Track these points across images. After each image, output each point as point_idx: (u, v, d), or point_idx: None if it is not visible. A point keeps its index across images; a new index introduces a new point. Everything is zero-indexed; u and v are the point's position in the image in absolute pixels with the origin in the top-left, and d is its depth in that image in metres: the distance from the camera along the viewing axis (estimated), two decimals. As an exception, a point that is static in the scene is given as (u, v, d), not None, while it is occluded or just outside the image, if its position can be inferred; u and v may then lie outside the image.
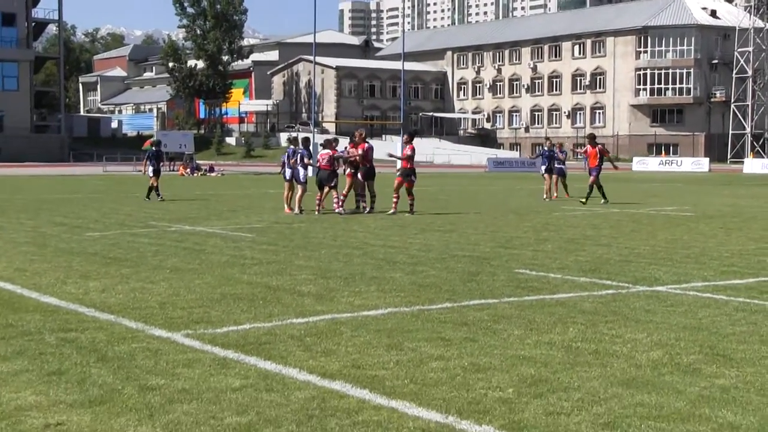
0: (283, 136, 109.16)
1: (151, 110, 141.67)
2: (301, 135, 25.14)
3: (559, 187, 30.86)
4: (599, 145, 28.23)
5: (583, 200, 27.07)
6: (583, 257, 14.16)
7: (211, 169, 61.06)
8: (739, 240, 16.99)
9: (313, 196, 23.72)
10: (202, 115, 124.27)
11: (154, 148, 29.99)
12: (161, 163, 30.10)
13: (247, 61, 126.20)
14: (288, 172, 23.90)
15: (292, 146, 24.31)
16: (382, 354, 7.58)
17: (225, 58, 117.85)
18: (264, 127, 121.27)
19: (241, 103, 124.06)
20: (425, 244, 15.95)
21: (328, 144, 23.39)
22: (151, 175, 29.24)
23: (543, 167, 31.26)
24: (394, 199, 22.90)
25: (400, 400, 6.24)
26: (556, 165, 30.78)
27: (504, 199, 31.39)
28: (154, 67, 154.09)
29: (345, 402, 6.21)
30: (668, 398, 6.31)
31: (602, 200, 27.61)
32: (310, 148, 24.44)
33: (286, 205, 23.95)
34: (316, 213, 22.65)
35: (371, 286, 11.14)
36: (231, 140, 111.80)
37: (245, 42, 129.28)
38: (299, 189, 23.25)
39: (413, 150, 22.76)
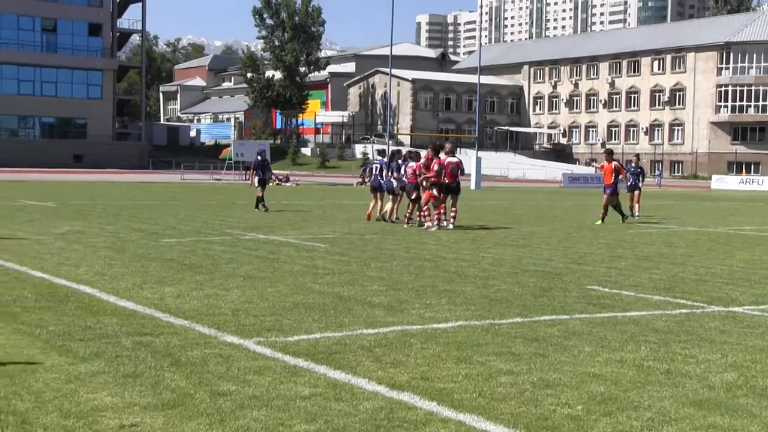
0: (358, 148, 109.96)
1: (228, 120, 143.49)
2: (393, 148, 25.26)
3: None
4: (615, 162, 26.29)
5: (599, 221, 25.43)
6: (658, 275, 13.99)
7: (287, 179, 61.67)
8: (819, 262, 16.61)
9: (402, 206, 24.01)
10: (278, 126, 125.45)
11: (259, 158, 29.64)
12: (268, 174, 29.73)
13: (324, 73, 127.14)
14: (377, 182, 24.32)
15: (380, 158, 24.88)
16: (451, 367, 7.59)
17: (302, 69, 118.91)
18: (339, 138, 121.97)
19: (317, 114, 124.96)
20: (497, 259, 15.91)
21: (416, 156, 23.48)
22: (257, 185, 29.11)
23: (628, 184, 30.29)
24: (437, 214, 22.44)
25: (468, 414, 6.24)
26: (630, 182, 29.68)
27: (578, 214, 31.10)
28: (232, 78, 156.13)
29: (413, 414, 6.23)
30: (742, 421, 6.21)
31: (621, 219, 25.93)
32: (399, 161, 24.36)
33: (369, 214, 24.44)
34: (406, 225, 22.65)
35: (442, 298, 11.15)
36: (306, 151, 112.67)
37: (322, 53, 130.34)
38: (390, 199, 23.53)
39: (439, 164, 22.20)
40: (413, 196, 22.84)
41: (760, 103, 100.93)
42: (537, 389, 6.94)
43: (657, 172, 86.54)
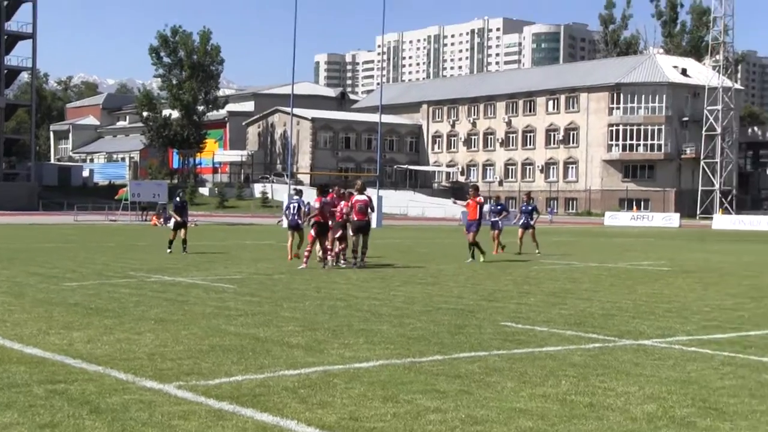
0: (257, 187, 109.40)
1: (123, 159, 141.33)
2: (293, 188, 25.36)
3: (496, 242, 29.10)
4: (479, 197, 25.27)
5: (469, 260, 25.10)
6: (566, 310, 14.22)
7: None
8: (717, 295, 17.13)
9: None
10: (175, 165, 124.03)
11: (178, 199, 28.53)
12: (185, 215, 28.18)
13: (223, 112, 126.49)
14: (292, 221, 24.56)
15: (297, 197, 25.01)
16: (378, 406, 7.57)
17: (200, 108, 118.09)
18: (238, 177, 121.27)
19: (216, 153, 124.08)
20: (409, 297, 15.97)
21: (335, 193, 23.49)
22: (173, 228, 28.09)
23: (521, 222, 30.87)
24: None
25: (400, 453, 6.23)
26: (492, 219, 29.44)
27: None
28: (127, 116, 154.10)
29: (346, 454, 6.19)
30: (667, 452, 6.34)
31: (468, 259, 25.23)
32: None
33: (289, 253, 24.41)
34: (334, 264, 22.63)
35: (359, 338, 11.13)
36: (204, 190, 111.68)
37: (221, 92, 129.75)
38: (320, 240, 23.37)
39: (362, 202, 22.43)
40: (337, 235, 22.71)
41: (649, 141, 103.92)
42: (466, 426, 6.97)
43: (549, 209, 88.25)
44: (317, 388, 8.21)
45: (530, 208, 30.80)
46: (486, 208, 29.23)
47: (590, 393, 8.17)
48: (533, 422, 7.09)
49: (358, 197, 22.45)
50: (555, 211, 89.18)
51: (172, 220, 28.34)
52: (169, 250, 27.32)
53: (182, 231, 27.59)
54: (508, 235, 31.07)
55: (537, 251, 29.27)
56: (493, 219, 29.52)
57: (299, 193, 25.87)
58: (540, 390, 8.27)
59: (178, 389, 8.14)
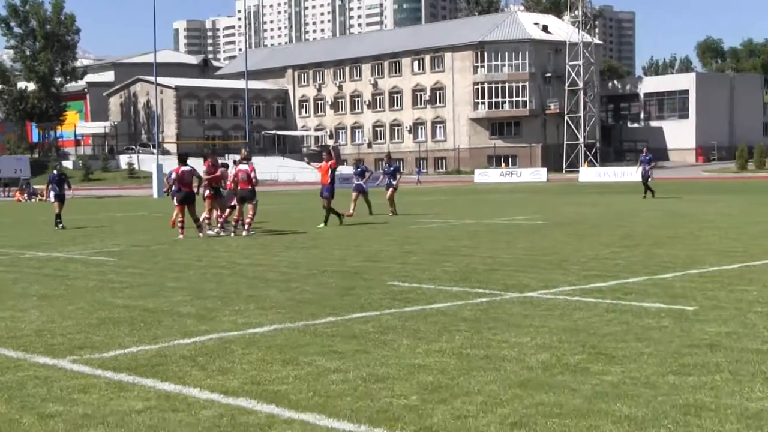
0: (123, 158, 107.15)
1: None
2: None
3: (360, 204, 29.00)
4: (332, 161, 24.83)
5: (321, 225, 24.29)
6: (450, 267, 14.48)
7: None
8: (592, 245, 17.68)
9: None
10: (35, 139, 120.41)
11: (55, 172, 27.70)
12: (65, 189, 27.58)
13: (82, 83, 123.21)
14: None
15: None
16: (278, 369, 7.60)
17: (58, 79, 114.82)
18: (102, 149, 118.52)
19: (77, 125, 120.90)
20: (292, 261, 15.98)
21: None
22: (53, 201, 27.21)
23: (385, 182, 30.63)
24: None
25: (308, 413, 6.29)
26: (356, 182, 29.20)
27: (358, 214, 31.47)
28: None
29: (254, 417, 6.22)
30: (565, 397, 6.57)
31: (321, 224, 24.36)
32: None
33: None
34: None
35: (250, 304, 11.12)
36: (68, 164, 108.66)
37: (79, 63, 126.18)
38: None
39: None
40: (232, 203, 22.55)
41: (514, 99, 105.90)
42: (369, 384, 7.07)
43: (416, 169, 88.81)
44: (215, 355, 8.19)
45: (392, 168, 30.75)
46: (350, 171, 29.11)
47: (485, 345, 8.38)
48: (433, 377, 7.24)
49: (240, 166, 22.25)
50: (422, 171, 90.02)
51: (52, 194, 27.17)
52: (61, 226, 26.13)
53: (58, 204, 26.75)
54: (375, 196, 31.27)
55: (390, 212, 29.31)
56: (356, 182, 29.32)
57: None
58: (435, 345, 8.44)
59: (73, 363, 8.01)
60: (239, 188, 22.17)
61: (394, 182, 30.21)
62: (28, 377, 7.53)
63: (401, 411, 6.30)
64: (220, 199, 23.14)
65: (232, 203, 22.65)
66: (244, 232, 21.97)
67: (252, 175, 21.99)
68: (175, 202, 22.07)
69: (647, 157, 38.43)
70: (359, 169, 29.80)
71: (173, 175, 22.09)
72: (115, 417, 6.29)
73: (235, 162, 22.92)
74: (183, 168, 21.95)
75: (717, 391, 6.63)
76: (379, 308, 10.60)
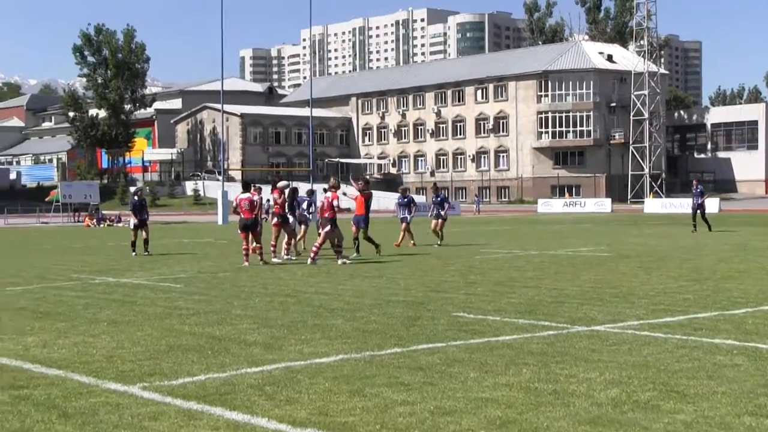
0: (189, 185, 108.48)
1: (51, 161, 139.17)
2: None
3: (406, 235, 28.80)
4: (366, 191, 24.69)
5: (355, 254, 24.01)
6: (516, 299, 14.39)
7: (119, 219, 60.21)
8: (660, 279, 17.45)
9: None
10: (104, 165, 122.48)
11: (136, 198, 27.22)
12: (145, 214, 26.91)
13: (150, 110, 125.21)
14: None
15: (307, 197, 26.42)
16: (345, 400, 7.61)
17: (127, 107, 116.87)
18: (168, 176, 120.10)
19: (145, 152, 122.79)
20: (357, 291, 16.01)
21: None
22: (132, 228, 26.88)
23: (434, 213, 29.82)
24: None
25: (377, 446, 6.28)
26: (402, 213, 29.03)
27: (419, 242, 31.46)
28: (53, 117, 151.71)
29: (323, 450, 6.23)
30: (636, 434, 6.48)
31: (355, 253, 24.19)
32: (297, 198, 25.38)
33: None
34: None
35: (316, 333, 11.15)
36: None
37: (147, 90, 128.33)
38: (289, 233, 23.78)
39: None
40: (326, 229, 22.52)
41: (578, 128, 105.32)
42: (436, 417, 7.04)
43: (476, 199, 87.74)
44: (282, 385, 8.22)
45: (440, 198, 29.84)
46: (394, 200, 29.04)
47: (553, 380, 8.30)
48: (501, 411, 7.19)
49: (241, 195, 22.38)
50: (481, 200, 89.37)
51: (132, 221, 26.81)
52: (133, 253, 26.13)
53: (143, 231, 26.56)
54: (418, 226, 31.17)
55: (438, 243, 28.58)
56: (401, 215, 28.91)
57: (311, 192, 27.32)
58: (503, 379, 8.38)
59: (143, 390, 8.09)
60: (325, 216, 22.23)
61: (443, 212, 29.52)
62: (99, 403, 7.63)
63: (470, 446, 6.26)
64: (287, 226, 23.41)
65: (326, 229, 22.46)
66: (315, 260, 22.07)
67: (334, 203, 22.05)
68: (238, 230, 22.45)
69: (698, 189, 37.68)
70: (405, 199, 29.46)
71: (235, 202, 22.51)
72: (185, 446, 6.34)
73: (324, 190, 23.16)
74: (242, 195, 22.33)
75: (793, 433, 6.48)
76: (444, 339, 10.57)
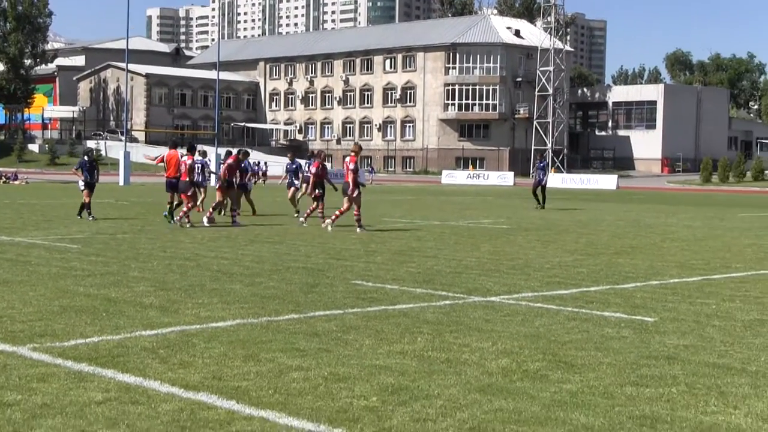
0: (91, 144, 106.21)
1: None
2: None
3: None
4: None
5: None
6: (414, 268, 14.53)
7: (15, 177, 58.70)
8: (556, 252, 17.81)
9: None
10: (1, 121, 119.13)
11: (86, 158, 25.36)
12: (96, 176, 24.92)
13: (52, 66, 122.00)
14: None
15: (201, 158, 26.21)
16: (240, 365, 7.61)
17: (27, 61, 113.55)
18: (69, 134, 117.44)
19: (45, 108, 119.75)
20: (257, 256, 15.97)
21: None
22: (82, 188, 24.48)
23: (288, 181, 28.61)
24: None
25: (268, 410, 6.31)
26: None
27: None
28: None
29: (214, 413, 6.23)
30: (524, 403, 6.64)
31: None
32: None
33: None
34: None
35: (213, 297, 11.11)
36: (34, 147, 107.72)
37: (49, 46, 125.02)
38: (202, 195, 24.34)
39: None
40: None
41: (484, 101, 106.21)
42: (330, 383, 7.10)
43: (367, 168, 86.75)
44: (176, 348, 8.19)
45: (294, 166, 28.68)
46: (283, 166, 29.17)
47: (446, 349, 8.44)
48: (394, 378, 7.28)
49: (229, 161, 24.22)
50: (374, 170, 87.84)
51: (81, 182, 24.63)
52: (91, 217, 23.95)
53: (86, 192, 24.32)
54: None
55: (295, 214, 26.67)
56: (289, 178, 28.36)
57: (202, 153, 27.17)
58: (397, 347, 8.48)
59: (33, 351, 7.97)
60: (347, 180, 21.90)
61: (297, 181, 28.08)
62: (-14, 364, 7.49)
63: (361, 412, 6.33)
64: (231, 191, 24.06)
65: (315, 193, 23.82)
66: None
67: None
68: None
69: (542, 164, 35.86)
70: (294, 166, 28.72)
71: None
72: (73, 408, 6.27)
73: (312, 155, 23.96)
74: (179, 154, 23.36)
75: (673, 404, 6.72)
76: (342, 307, 10.63)
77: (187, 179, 22.60)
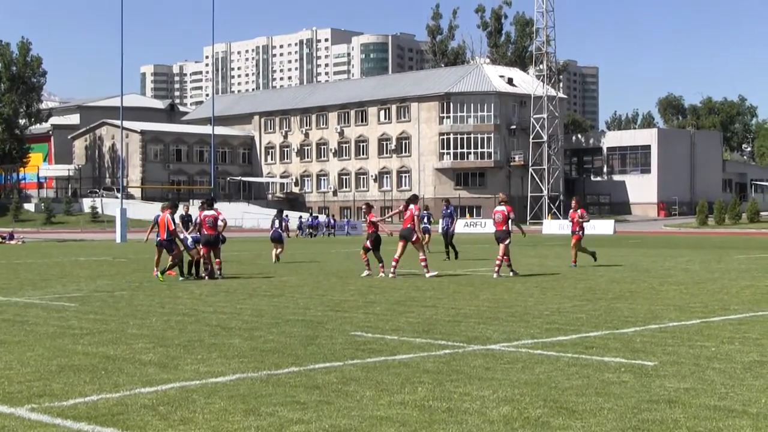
0: (87, 202, 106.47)
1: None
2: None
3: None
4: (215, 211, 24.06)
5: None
6: (414, 318, 14.50)
7: (11, 237, 58.72)
8: (555, 298, 17.78)
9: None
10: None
11: (183, 212, 25.22)
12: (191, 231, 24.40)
13: (46, 125, 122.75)
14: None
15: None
16: (240, 420, 7.58)
17: (22, 121, 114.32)
18: (65, 192, 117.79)
19: (40, 167, 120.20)
20: (256, 309, 15.95)
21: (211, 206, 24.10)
22: (191, 247, 23.53)
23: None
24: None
25: (270, 465, 6.28)
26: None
27: (323, 262, 31.61)
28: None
29: (215, 469, 6.19)
30: (526, 451, 6.60)
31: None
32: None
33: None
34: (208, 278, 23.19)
35: (212, 352, 11.08)
36: (29, 206, 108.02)
37: (44, 105, 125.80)
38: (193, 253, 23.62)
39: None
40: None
41: (479, 150, 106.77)
42: (331, 436, 7.06)
43: (344, 220, 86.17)
44: (177, 405, 8.15)
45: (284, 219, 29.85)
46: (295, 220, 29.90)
47: (447, 398, 8.41)
48: (395, 429, 7.25)
49: (206, 212, 23.60)
50: (353, 224, 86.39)
51: (190, 239, 23.63)
52: (206, 276, 23.38)
53: (205, 249, 23.61)
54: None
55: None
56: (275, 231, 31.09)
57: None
58: (398, 397, 8.45)
59: (31, 412, 7.93)
60: (206, 233, 23.55)
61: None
62: (-15, 425, 7.45)
63: (363, 464, 6.30)
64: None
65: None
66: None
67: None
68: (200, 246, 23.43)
69: (448, 211, 33.78)
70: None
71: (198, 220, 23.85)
72: (74, 467, 6.24)
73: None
74: (206, 212, 23.49)
75: (676, 448, 6.68)
76: (342, 358, 10.60)
77: (165, 238, 23.04)
